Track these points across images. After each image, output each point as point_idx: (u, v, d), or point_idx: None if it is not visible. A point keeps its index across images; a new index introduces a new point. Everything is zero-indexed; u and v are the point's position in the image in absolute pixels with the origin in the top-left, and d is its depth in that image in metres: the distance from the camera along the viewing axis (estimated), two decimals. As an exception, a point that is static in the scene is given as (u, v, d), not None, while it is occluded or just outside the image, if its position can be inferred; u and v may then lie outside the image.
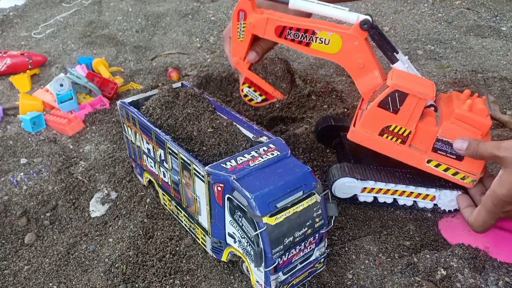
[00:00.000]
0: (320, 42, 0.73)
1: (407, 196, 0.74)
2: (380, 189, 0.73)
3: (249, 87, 0.84)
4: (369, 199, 0.75)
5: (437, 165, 0.69)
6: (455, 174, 0.68)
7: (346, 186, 0.73)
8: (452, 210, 0.75)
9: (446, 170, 0.68)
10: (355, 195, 0.75)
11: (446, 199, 0.73)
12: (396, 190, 0.73)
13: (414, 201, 0.75)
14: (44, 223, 0.76)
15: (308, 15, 0.79)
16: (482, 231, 0.66)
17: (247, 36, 0.78)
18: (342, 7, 0.72)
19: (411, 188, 0.73)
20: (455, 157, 0.67)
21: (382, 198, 0.75)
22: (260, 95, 0.84)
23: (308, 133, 0.94)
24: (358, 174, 0.73)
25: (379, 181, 0.72)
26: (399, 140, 0.69)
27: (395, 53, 0.72)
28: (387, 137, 0.69)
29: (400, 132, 0.68)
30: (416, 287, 0.61)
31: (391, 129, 0.68)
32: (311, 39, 0.73)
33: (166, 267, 0.66)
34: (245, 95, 0.85)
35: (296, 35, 0.74)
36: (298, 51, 1.37)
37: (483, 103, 0.68)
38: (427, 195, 0.73)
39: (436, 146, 0.67)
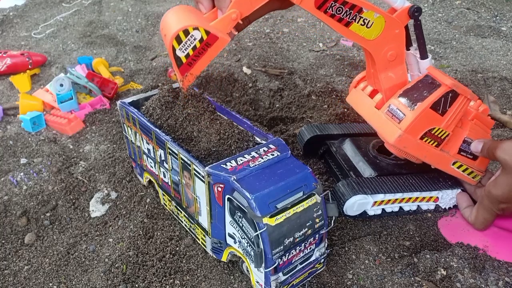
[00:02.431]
0: (362, 23, 0.64)
1: (412, 202, 0.74)
2: (389, 200, 0.72)
3: (201, 40, 0.60)
4: (378, 211, 0.73)
5: (459, 167, 0.69)
6: (470, 173, 0.70)
7: (358, 204, 0.69)
8: (452, 207, 0.76)
9: (464, 170, 0.69)
10: (365, 210, 0.72)
11: (447, 198, 0.74)
12: (403, 198, 0.72)
13: (418, 205, 0.75)
14: (44, 223, 0.76)
15: None
16: (484, 228, 0.68)
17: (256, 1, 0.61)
18: None
19: (416, 194, 0.72)
20: (472, 157, 0.68)
21: (389, 208, 0.73)
22: (187, 56, 0.62)
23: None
24: (367, 188, 0.69)
25: (388, 192, 0.70)
26: (435, 143, 0.66)
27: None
28: (426, 140, 0.66)
29: (440, 135, 0.65)
30: (416, 287, 0.61)
31: (433, 132, 0.65)
32: (354, 18, 0.64)
33: (166, 267, 0.66)
34: (185, 32, 0.59)
35: (339, 10, 0.63)
36: (298, 51, 1.37)
37: (483, 103, 0.70)
38: (431, 197, 0.73)
39: (462, 147, 0.67)
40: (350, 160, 0.78)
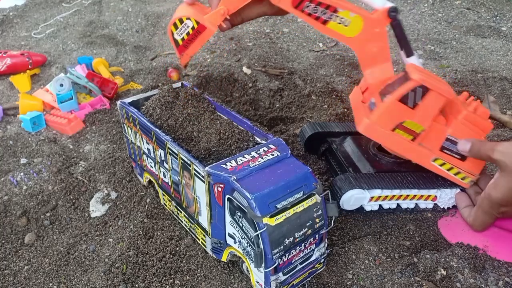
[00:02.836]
0: (339, 22, 0.68)
1: (410, 200, 0.74)
2: (386, 196, 0.72)
3: (192, 28, 0.74)
4: (375, 207, 0.74)
5: (442, 164, 0.68)
6: (456, 173, 0.69)
7: (355, 198, 0.70)
8: (451, 207, 0.75)
9: (449, 169, 0.69)
10: (362, 205, 0.73)
11: (446, 197, 0.74)
12: (401, 195, 0.73)
13: (416, 203, 0.75)
14: (44, 223, 0.76)
15: None
16: (483, 230, 0.68)
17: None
18: None
19: (414, 192, 0.72)
20: (459, 157, 0.68)
21: (386, 205, 0.74)
22: (183, 39, 0.76)
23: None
24: (364, 183, 0.70)
25: (385, 188, 0.71)
26: (410, 137, 0.67)
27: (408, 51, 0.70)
28: (399, 132, 0.67)
29: (414, 129, 0.66)
30: (416, 287, 0.61)
31: (405, 124, 0.66)
32: (330, 17, 0.68)
33: (166, 267, 0.66)
34: (180, 21, 0.74)
35: (315, 10, 0.68)
36: (298, 51, 1.37)
37: (483, 106, 0.69)
38: (429, 196, 0.73)
39: (445, 145, 0.67)
40: (350, 157, 0.79)
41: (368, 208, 0.73)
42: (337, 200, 0.71)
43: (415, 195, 0.73)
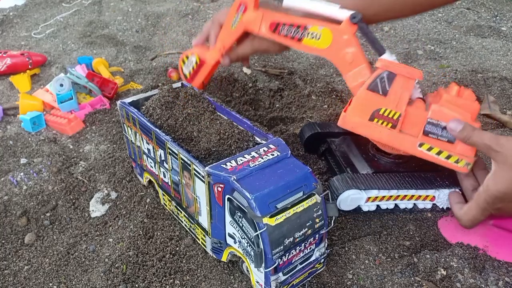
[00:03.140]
0: (312, 37, 0.74)
1: (408, 200, 0.74)
2: (383, 197, 0.72)
3: (196, 62, 0.89)
4: (373, 207, 0.74)
5: (429, 149, 0.68)
6: (448, 157, 0.67)
7: (351, 198, 0.71)
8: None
9: (438, 153, 0.68)
10: (359, 205, 0.73)
11: (445, 198, 0.74)
12: (398, 196, 0.73)
13: (414, 203, 0.75)
14: (44, 223, 0.76)
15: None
16: (470, 226, 0.66)
17: (239, 29, 0.81)
18: (333, 4, 0.73)
19: (412, 192, 0.72)
20: (446, 140, 0.67)
21: (384, 205, 0.74)
22: (189, 73, 0.91)
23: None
24: (361, 184, 0.71)
25: (382, 188, 0.71)
26: (390, 125, 0.68)
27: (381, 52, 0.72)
28: (377, 121, 0.69)
29: (390, 116, 0.68)
30: (416, 287, 0.61)
31: (381, 112, 0.68)
32: (303, 34, 0.75)
33: (166, 267, 0.66)
34: (183, 60, 0.91)
35: (289, 31, 0.76)
36: (298, 51, 1.37)
37: (471, 91, 0.68)
38: (427, 196, 0.73)
39: (427, 129, 0.67)
40: (349, 158, 0.79)
41: (365, 208, 0.73)
42: (334, 200, 0.71)
43: (412, 196, 0.73)
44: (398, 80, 0.66)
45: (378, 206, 0.74)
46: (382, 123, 0.69)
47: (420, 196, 0.73)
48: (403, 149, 0.70)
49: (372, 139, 0.72)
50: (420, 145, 0.68)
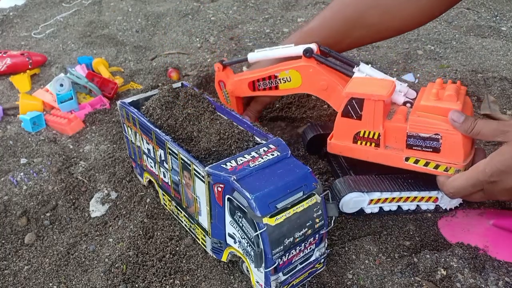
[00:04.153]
0: (284, 81, 0.80)
1: (411, 201, 0.73)
2: (386, 199, 0.72)
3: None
4: (375, 210, 0.73)
5: (416, 161, 0.68)
6: (436, 167, 0.67)
7: (354, 201, 0.71)
8: (453, 208, 0.75)
9: (426, 165, 0.67)
10: (361, 208, 0.73)
11: (448, 198, 0.73)
12: (401, 197, 0.72)
13: (417, 205, 0.75)
14: (44, 223, 0.76)
15: (282, 61, 0.83)
16: (454, 194, 0.64)
17: (233, 101, 0.90)
18: (288, 45, 0.79)
19: (414, 193, 0.72)
20: (431, 150, 0.65)
21: (387, 207, 0.74)
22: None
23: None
24: (364, 186, 0.71)
25: (385, 191, 0.71)
26: (373, 144, 0.70)
27: (354, 66, 0.76)
28: (361, 143, 0.71)
29: (371, 136, 0.69)
30: (416, 287, 0.61)
31: (361, 134, 0.70)
32: (277, 82, 0.81)
33: (166, 267, 0.66)
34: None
35: (265, 84, 0.83)
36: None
37: (454, 89, 0.66)
38: (430, 197, 0.73)
39: (409, 142, 0.67)
40: (351, 160, 0.78)
41: (368, 210, 0.73)
42: (337, 203, 0.71)
43: (415, 197, 0.73)
44: (367, 104, 0.67)
45: (381, 208, 0.74)
46: (365, 143, 0.70)
47: (423, 198, 0.73)
48: (390, 165, 0.70)
49: (362, 159, 0.73)
50: (407, 159, 0.68)
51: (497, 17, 1.55)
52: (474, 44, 1.35)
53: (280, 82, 0.81)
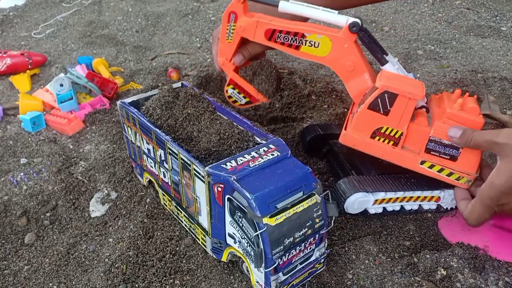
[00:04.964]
0: (310, 45, 0.73)
1: (414, 201, 0.73)
2: (390, 199, 0.72)
3: (233, 88, 0.84)
4: (379, 210, 0.73)
5: (431, 166, 0.68)
6: (449, 175, 0.68)
7: (359, 201, 0.70)
8: (454, 207, 0.75)
9: (440, 171, 0.68)
10: (366, 208, 0.72)
11: (449, 198, 0.73)
12: (405, 197, 0.72)
13: (419, 205, 0.75)
14: (44, 223, 0.76)
15: (303, 19, 0.79)
16: (477, 225, 0.65)
17: (235, 38, 0.79)
18: (331, 10, 0.72)
19: (417, 193, 0.72)
20: (449, 157, 0.66)
21: (390, 207, 0.73)
22: (244, 97, 0.84)
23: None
24: (369, 186, 0.70)
25: (389, 191, 0.70)
26: (391, 142, 0.68)
27: (384, 55, 0.72)
28: (379, 139, 0.68)
29: (392, 134, 0.67)
30: (416, 287, 0.61)
31: (382, 131, 0.68)
32: (300, 42, 0.74)
33: (166, 267, 0.66)
34: (229, 96, 0.85)
35: (286, 38, 0.74)
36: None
37: (474, 101, 0.67)
38: (432, 196, 0.73)
39: (429, 146, 0.67)
40: (353, 160, 0.78)
41: (372, 211, 0.72)
42: (342, 205, 0.70)
43: (418, 197, 0.73)
44: (400, 100, 0.65)
45: (384, 208, 0.73)
46: (383, 140, 0.68)
47: (425, 197, 0.73)
48: (404, 166, 0.69)
49: (376, 156, 0.71)
50: (422, 162, 0.68)
51: (497, 17, 1.55)
52: (474, 44, 1.35)
53: (305, 44, 0.73)
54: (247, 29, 0.77)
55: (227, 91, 0.84)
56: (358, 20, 0.69)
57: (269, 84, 0.82)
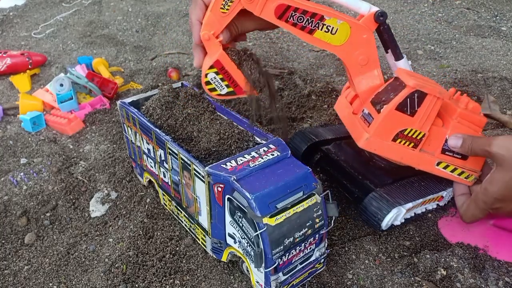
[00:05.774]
0: (326, 30, 0.63)
1: (425, 205, 0.72)
2: (412, 207, 0.69)
3: (216, 73, 0.65)
4: (402, 220, 0.69)
5: (446, 167, 0.67)
6: (460, 174, 0.68)
7: (395, 217, 0.67)
8: (450, 200, 0.75)
9: (453, 171, 0.68)
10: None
11: (448, 195, 0.74)
12: (424, 201, 0.71)
13: (437, 204, 0.74)
14: (44, 223, 0.76)
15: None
16: (471, 222, 0.67)
17: (234, 9, 0.62)
18: None
19: (431, 196, 0.71)
20: (460, 156, 0.67)
21: (408, 215, 0.71)
22: (227, 86, 0.66)
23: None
24: (400, 199, 0.67)
25: (415, 199, 0.68)
26: (412, 144, 0.65)
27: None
28: (400, 142, 0.65)
29: (415, 136, 0.64)
30: (416, 287, 0.61)
31: (405, 133, 0.64)
32: (316, 25, 0.63)
33: (166, 267, 0.66)
34: (208, 82, 0.65)
35: (300, 19, 0.63)
36: (298, 51, 1.37)
37: (472, 100, 0.68)
38: (437, 196, 0.73)
39: (445, 147, 0.66)
40: (356, 167, 0.75)
41: (396, 223, 0.69)
42: (375, 223, 0.67)
43: (430, 199, 0.72)
44: (428, 100, 0.61)
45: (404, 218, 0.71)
46: (404, 143, 0.65)
47: (433, 199, 0.72)
48: (420, 168, 0.68)
49: (392, 159, 0.69)
50: (438, 163, 0.67)
51: (497, 17, 1.55)
52: (474, 44, 1.35)
53: (321, 28, 0.63)
54: (251, 4, 0.62)
55: (206, 75, 0.65)
56: (384, 10, 0.64)
57: (258, 76, 0.68)
